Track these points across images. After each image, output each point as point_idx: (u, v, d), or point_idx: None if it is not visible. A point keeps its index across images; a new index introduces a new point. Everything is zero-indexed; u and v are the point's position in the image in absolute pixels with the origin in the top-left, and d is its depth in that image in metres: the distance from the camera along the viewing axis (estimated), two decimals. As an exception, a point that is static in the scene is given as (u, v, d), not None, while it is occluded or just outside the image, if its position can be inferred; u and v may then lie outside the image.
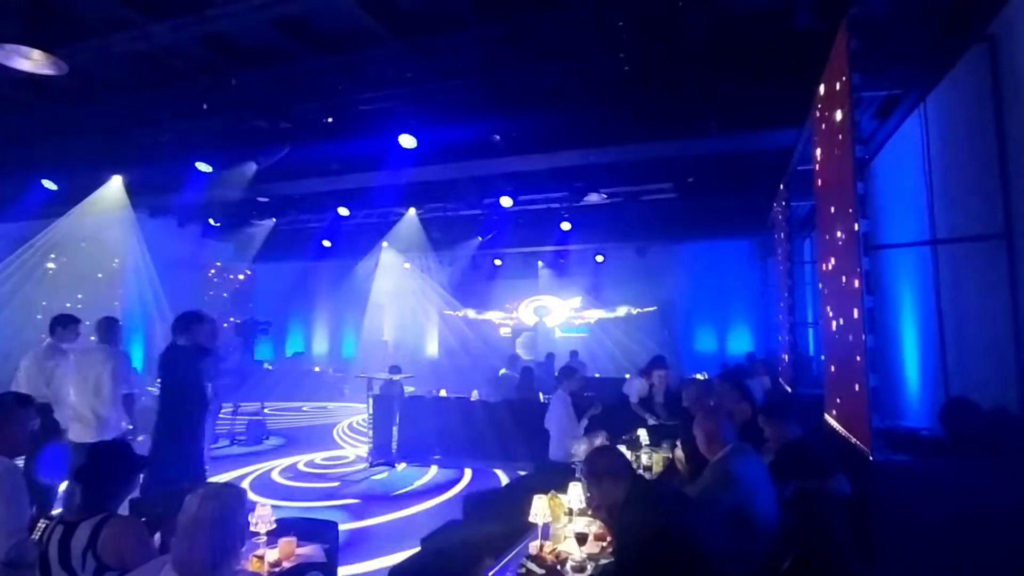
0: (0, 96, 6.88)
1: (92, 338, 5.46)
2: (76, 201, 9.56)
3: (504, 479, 7.49)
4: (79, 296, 11.82)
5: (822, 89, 4.81)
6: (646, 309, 14.57)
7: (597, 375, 11.55)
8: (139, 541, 2.33)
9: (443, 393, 10.10)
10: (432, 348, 16.17)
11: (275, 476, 7.80)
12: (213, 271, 15.18)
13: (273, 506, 3.08)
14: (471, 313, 16.02)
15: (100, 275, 12.29)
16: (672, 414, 7.18)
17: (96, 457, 2.47)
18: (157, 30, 5.32)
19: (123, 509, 2.56)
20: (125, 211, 10.27)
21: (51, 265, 11.53)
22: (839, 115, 4.10)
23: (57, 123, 7.70)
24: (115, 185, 9.41)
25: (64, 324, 5.48)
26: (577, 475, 4.03)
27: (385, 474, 7.81)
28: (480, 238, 12.84)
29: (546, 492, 3.29)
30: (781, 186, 7.84)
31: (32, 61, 4.98)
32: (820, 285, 5.38)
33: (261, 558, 2.79)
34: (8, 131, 7.91)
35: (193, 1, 4.98)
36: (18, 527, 2.52)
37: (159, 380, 4.68)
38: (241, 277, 15.82)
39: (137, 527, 2.38)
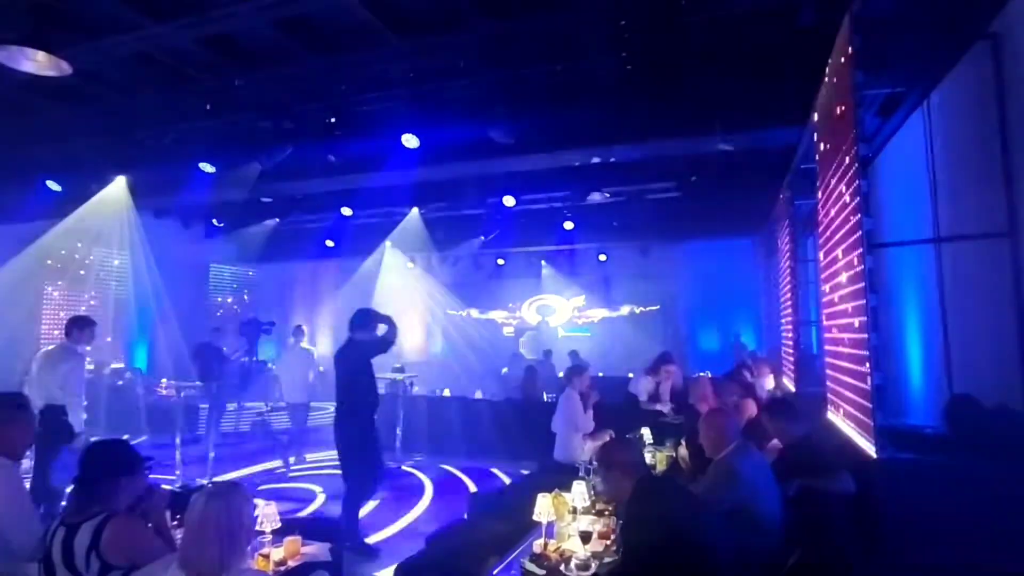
0: (4, 98, 6.91)
1: (290, 340, 8.71)
2: (80, 202, 9.57)
3: (507, 478, 7.49)
4: (91, 295, 11.87)
5: (825, 87, 4.80)
6: (649, 308, 14.54)
7: (601, 374, 11.54)
8: (144, 537, 2.35)
9: (446, 393, 10.11)
10: (435, 348, 16.17)
11: (279, 475, 7.83)
12: (217, 271, 15.20)
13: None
14: (474, 312, 16.01)
15: (104, 276, 12.33)
16: (678, 411, 7.21)
17: (90, 457, 2.47)
18: (160, 31, 5.34)
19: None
20: (129, 212, 10.30)
21: (54, 265, 11.57)
22: (841, 113, 4.09)
23: (61, 124, 7.72)
24: (119, 186, 9.42)
25: (81, 327, 5.43)
26: (581, 474, 4.04)
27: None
28: (483, 237, 12.83)
29: (550, 491, 3.29)
30: (784, 184, 7.83)
31: (36, 63, 4.98)
32: (823, 283, 5.37)
33: (267, 557, 2.81)
34: (12, 133, 7.94)
35: (196, 2, 5.00)
36: (35, 523, 2.56)
37: (336, 375, 5.30)
38: (251, 274, 15.83)
39: (139, 524, 2.39)
